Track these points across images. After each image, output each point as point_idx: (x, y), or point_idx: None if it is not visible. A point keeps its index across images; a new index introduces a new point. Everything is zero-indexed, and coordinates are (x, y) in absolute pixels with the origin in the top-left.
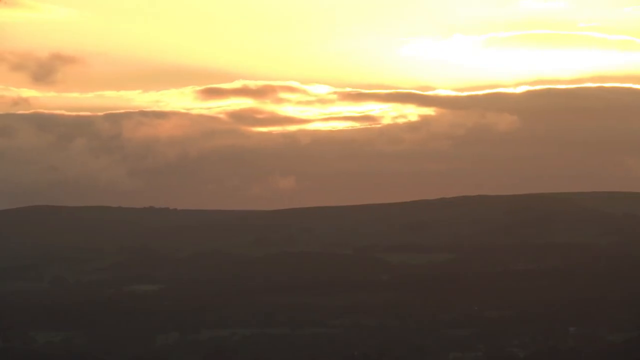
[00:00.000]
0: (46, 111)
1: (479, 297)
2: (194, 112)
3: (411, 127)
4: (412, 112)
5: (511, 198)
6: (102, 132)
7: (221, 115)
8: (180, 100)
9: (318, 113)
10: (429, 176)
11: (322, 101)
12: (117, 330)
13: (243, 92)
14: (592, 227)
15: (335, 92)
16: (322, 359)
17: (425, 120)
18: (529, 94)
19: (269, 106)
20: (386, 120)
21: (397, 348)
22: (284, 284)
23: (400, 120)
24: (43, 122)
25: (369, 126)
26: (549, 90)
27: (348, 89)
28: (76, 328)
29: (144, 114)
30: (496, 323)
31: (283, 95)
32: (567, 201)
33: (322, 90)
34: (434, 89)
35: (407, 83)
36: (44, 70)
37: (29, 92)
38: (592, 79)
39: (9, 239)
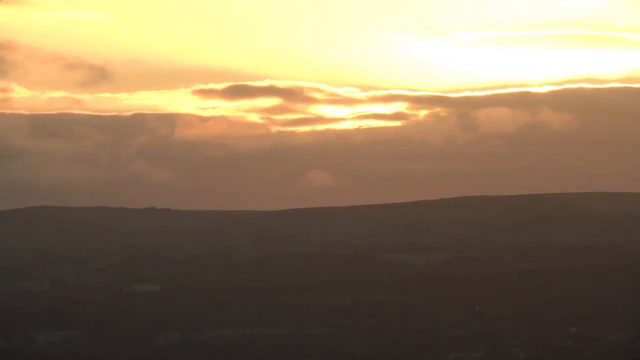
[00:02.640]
0: (72, 112)
1: (479, 297)
2: (219, 112)
3: (432, 127)
4: (438, 112)
5: (511, 198)
6: (127, 133)
7: (249, 114)
8: (205, 99)
9: (346, 113)
10: (437, 176)
11: (349, 101)
12: (117, 330)
13: (271, 91)
14: (592, 227)
15: (362, 93)
16: (322, 359)
17: (446, 120)
18: (551, 94)
19: (298, 105)
20: (413, 121)
21: (397, 348)
22: (284, 284)
23: (426, 121)
24: (53, 124)
25: (397, 126)
26: (573, 90)
27: (373, 92)
28: (76, 328)
29: (169, 114)
30: (496, 323)
31: (310, 95)
32: (566, 201)
33: (349, 91)
34: (461, 88)
35: (436, 82)
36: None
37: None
38: (623, 80)
39: (9, 239)
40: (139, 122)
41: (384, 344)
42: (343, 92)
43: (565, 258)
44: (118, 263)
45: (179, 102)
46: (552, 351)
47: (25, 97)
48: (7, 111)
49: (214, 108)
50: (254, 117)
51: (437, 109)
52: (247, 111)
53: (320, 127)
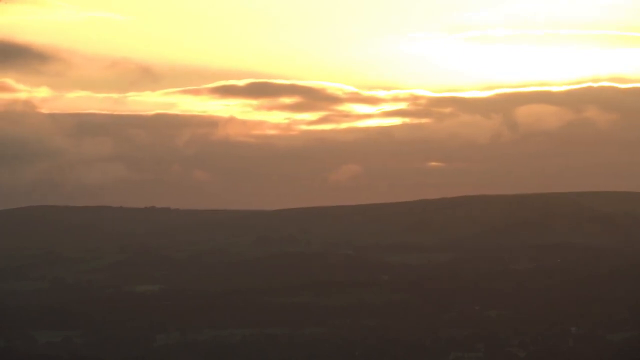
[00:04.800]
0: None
1: (479, 297)
2: (240, 109)
3: (450, 127)
4: (458, 111)
5: (511, 198)
6: (149, 133)
7: (272, 112)
8: (226, 97)
9: (367, 112)
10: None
11: (370, 100)
12: (117, 330)
13: (293, 90)
14: (593, 227)
15: (384, 92)
16: (322, 359)
17: (466, 119)
18: (570, 94)
19: (319, 104)
20: (433, 120)
21: (397, 348)
22: (284, 284)
23: (446, 120)
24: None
25: (417, 125)
26: (594, 90)
27: (395, 91)
28: (76, 328)
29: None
30: (496, 323)
31: (331, 94)
32: (567, 201)
33: (371, 90)
34: (482, 86)
35: (457, 80)
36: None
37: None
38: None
39: (10, 239)
40: (161, 122)
41: (384, 344)
42: (364, 91)
43: (565, 258)
44: (118, 263)
45: (199, 101)
46: (552, 351)
47: (47, 97)
48: (29, 110)
49: (235, 105)
50: (277, 115)
51: (458, 109)
52: (269, 109)
53: (343, 126)
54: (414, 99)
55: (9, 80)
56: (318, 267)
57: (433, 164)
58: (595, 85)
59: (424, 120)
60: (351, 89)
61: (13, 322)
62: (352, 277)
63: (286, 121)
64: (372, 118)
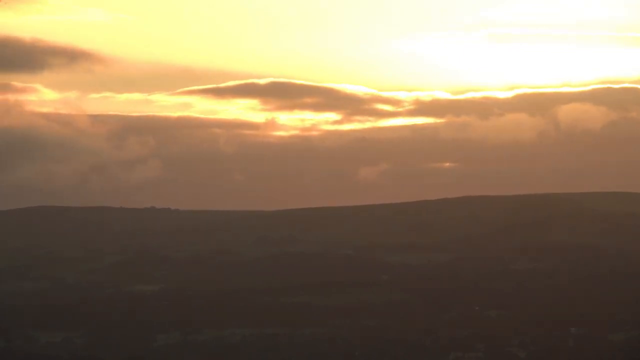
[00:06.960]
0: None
1: (479, 297)
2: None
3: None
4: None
5: (511, 198)
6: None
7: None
8: (243, 97)
9: (387, 114)
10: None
11: (390, 102)
12: (117, 330)
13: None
14: (592, 227)
15: (404, 94)
16: (322, 359)
17: (480, 121)
18: (588, 94)
19: (339, 105)
20: (451, 121)
21: (397, 348)
22: (284, 284)
23: (461, 121)
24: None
25: (435, 126)
26: (615, 91)
27: (416, 92)
28: (76, 328)
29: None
30: (496, 323)
31: (350, 95)
32: (567, 201)
33: (392, 91)
34: (503, 87)
35: (478, 81)
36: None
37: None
38: None
39: (9, 239)
40: (181, 123)
41: (384, 344)
42: (383, 93)
43: (565, 258)
44: (118, 263)
45: (219, 100)
46: (552, 351)
47: (72, 98)
48: (37, 110)
49: (255, 104)
50: (298, 115)
51: (476, 110)
52: (290, 108)
53: (366, 126)
54: (433, 100)
55: (38, 85)
56: (318, 267)
57: (447, 164)
58: (616, 86)
59: (443, 121)
60: (370, 90)
61: (13, 322)
62: (352, 277)
63: (308, 122)
64: (394, 118)
